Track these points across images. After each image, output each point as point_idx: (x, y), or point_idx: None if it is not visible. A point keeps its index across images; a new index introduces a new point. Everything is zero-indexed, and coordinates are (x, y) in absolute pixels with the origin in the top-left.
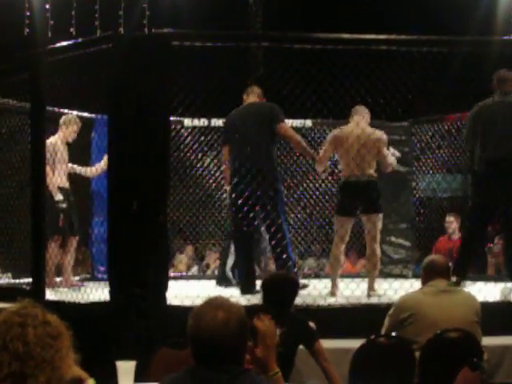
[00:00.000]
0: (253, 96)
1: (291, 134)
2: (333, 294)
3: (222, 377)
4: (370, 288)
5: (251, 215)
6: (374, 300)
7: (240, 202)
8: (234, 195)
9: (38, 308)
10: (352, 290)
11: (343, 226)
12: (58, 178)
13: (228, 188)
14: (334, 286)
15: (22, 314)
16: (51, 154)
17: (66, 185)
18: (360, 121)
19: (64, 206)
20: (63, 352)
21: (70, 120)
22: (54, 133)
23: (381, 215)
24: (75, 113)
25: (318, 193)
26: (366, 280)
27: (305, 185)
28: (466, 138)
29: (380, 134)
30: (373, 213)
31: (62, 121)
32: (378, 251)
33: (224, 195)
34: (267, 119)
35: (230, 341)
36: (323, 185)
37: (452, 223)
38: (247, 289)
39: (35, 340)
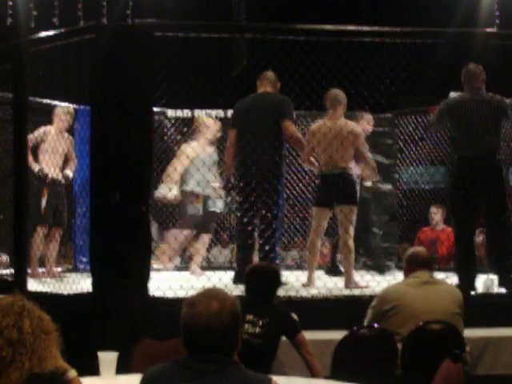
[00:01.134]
0: (266, 84)
1: (292, 132)
2: (306, 285)
3: (208, 367)
4: (347, 281)
5: (254, 206)
6: (356, 292)
7: (244, 194)
8: (240, 187)
9: (33, 304)
10: (335, 282)
11: (320, 217)
12: (42, 164)
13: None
14: (310, 278)
15: (20, 304)
16: (36, 138)
17: (51, 175)
18: (333, 113)
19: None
20: (51, 347)
21: (59, 111)
22: (43, 124)
23: (354, 208)
24: (59, 103)
25: (301, 184)
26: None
27: (288, 177)
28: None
29: (352, 126)
30: (345, 204)
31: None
32: (351, 243)
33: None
34: (276, 113)
35: (222, 331)
36: (306, 177)
37: (436, 214)
38: (240, 279)
39: (30, 330)
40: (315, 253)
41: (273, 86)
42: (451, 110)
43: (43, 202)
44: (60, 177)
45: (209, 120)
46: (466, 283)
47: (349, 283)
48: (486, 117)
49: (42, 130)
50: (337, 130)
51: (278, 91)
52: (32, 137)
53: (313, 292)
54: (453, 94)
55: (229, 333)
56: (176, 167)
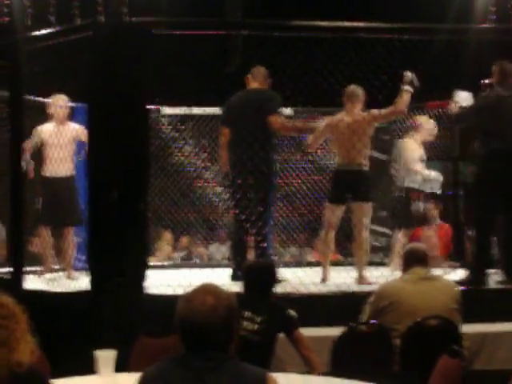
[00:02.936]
0: (253, 80)
1: (279, 125)
2: (323, 280)
3: (205, 365)
4: (361, 277)
5: (246, 203)
6: (354, 288)
7: (235, 189)
8: (231, 183)
9: None
10: (343, 278)
11: (333, 213)
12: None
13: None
14: (325, 273)
15: None
16: (37, 143)
17: (49, 174)
18: (351, 109)
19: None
20: (18, 334)
21: (54, 99)
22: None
23: (370, 205)
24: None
25: (299, 181)
26: (345, 268)
27: (286, 173)
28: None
29: (364, 115)
30: (363, 202)
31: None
32: (366, 239)
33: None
34: (262, 109)
35: (218, 326)
36: (305, 173)
37: (433, 211)
38: (237, 276)
39: None
40: (328, 249)
41: (260, 82)
42: (493, 105)
43: (39, 203)
44: (68, 173)
45: (428, 121)
46: (482, 278)
47: (361, 279)
48: None
49: (38, 130)
50: (355, 125)
51: (268, 86)
52: (29, 145)
53: (311, 288)
54: (462, 93)
55: (226, 327)
56: None
